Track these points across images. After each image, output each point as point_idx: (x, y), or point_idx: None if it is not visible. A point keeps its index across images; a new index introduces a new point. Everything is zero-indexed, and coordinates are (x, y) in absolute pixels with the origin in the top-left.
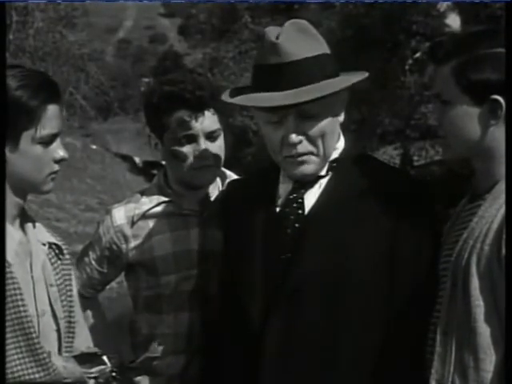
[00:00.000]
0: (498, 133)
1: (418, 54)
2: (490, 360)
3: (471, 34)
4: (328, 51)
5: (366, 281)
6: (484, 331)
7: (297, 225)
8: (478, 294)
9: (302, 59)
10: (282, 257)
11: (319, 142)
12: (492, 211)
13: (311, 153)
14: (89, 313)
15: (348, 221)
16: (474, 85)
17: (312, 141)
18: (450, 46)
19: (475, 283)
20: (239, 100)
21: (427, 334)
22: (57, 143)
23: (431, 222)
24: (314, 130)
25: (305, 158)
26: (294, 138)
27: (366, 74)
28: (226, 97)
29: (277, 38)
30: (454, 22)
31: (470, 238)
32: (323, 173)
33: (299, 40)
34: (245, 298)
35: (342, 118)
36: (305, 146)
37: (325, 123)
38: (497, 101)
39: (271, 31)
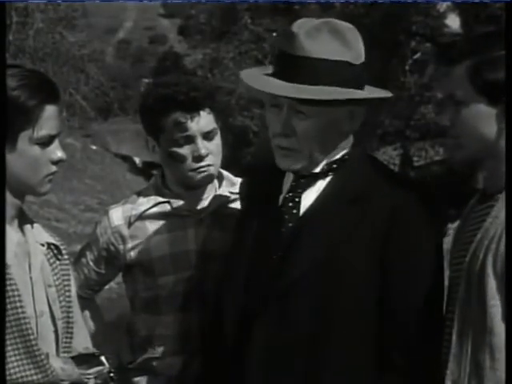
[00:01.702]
0: None
1: (417, 55)
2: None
3: (486, 35)
4: (356, 61)
5: (359, 282)
6: (500, 331)
7: (291, 224)
8: (494, 294)
9: (315, 58)
10: (274, 256)
11: (306, 143)
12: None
13: (297, 150)
14: (86, 313)
15: (343, 222)
16: (489, 85)
17: (299, 139)
18: (465, 46)
19: (491, 283)
20: (245, 76)
21: (436, 335)
22: (55, 144)
23: (430, 223)
24: (303, 130)
25: (290, 153)
26: (279, 128)
27: (389, 95)
28: (244, 73)
29: (299, 29)
30: (453, 22)
31: (485, 239)
32: (317, 170)
33: (323, 40)
34: (237, 297)
35: (345, 127)
36: (291, 142)
37: (317, 126)
38: None
39: (300, 22)
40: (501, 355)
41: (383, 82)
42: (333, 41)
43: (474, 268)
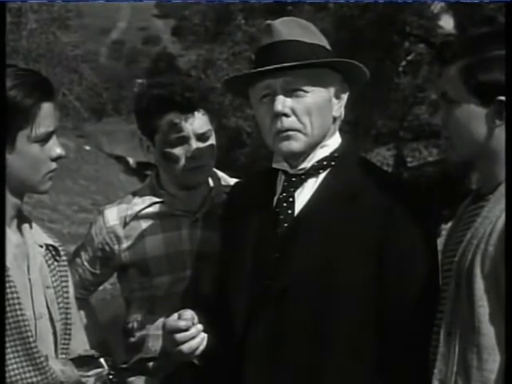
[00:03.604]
0: (503, 134)
1: (411, 56)
2: (493, 360)
3: (480, 35)
4: (327, 46)
5: (354, 282)
6: (488, 332)
7: (286, 224)
8: (481, 295)
9: (295, 40)
10: (271, 257)
11: (306, 120)
12: (496, 212)
13: (298, 130)
14: (81, 314)
15: (338, 222)
16: (481, 85)
17: (298, 117)
18: (459, 46)
19: (479, 284)
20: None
21: (428, 334)
22: (53, 141)
23: (424, 223)
24: (300, 106)
25: (291, 133)
26: (279, 108)
27: (361, 66)
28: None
29: (273, 21)
30: (447, 23)
31: (474, 239)
32: (308, 165)
33: (295, 28)
34: (234, 297)
35: (334, 109)
36: (291, 122)
37: (311, 101)
38: (503, 102)
39: (270, 20)
40: (489, 356)
41: (377, 83)
42: (303, 30)
43: (463, 268)
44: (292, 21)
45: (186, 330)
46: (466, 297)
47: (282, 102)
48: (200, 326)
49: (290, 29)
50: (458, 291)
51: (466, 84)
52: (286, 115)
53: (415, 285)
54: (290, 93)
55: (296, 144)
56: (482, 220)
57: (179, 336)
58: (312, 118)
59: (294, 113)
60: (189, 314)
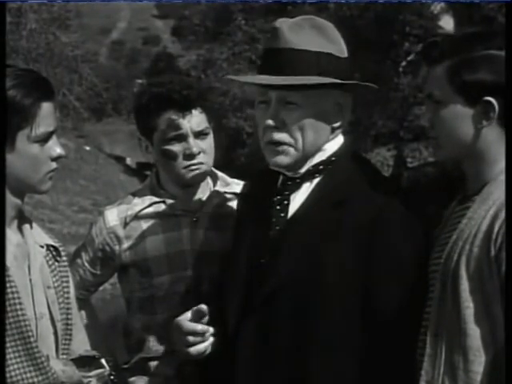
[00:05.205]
0: (490, 135)
1: (411, 56)
2: (479, 361)
3: (466, 35)
4: (340, 54)
5: (344, 285)
6: (474, 333)
7: (278, 227)
8: (467, 296)
9: (299, 50)
10: (262, 260)
11: (297, 135)
12: (481, 212)
13: (289, 144)
14: (82, 314)
15: (328, 226)
16: (467, 85)
17: (290, 131)
18: (445, 46)
19: (464, 285)
20: (236, 77)
21: (415, 335)
22: (53, 141)
23: (415, 227)
24: (293, 120)
25: (281, 148)
26: (269, 121)
27: (375, 87)
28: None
29: (282, 24)
30: (447, 23)
31: (460, 240)
32: (303, 170)
33: (305, 33)
34: (228, 298)
35: (334, 120)
36: (282, 136)
37: (306, 115)
38: (489, 102)
39: (282, 19)
40: (474, 357)
41: (377, 83)
42: (315, 34)
43: (449, 269)
44: (304, 23)
45: (202, 334)
46: (451, 298)
47: (274, 116)
48: (212, 330)
49: (298, 34)
50: (444, 292)
51: (452, 84)
52: (277, 128)
53: (400, 286)
54: (284, 105)
55: (285, 159)
56: (467, 221)
57: (193, 339)
58: (305, 133)
59: (286, 126)
60: (206, 317)
